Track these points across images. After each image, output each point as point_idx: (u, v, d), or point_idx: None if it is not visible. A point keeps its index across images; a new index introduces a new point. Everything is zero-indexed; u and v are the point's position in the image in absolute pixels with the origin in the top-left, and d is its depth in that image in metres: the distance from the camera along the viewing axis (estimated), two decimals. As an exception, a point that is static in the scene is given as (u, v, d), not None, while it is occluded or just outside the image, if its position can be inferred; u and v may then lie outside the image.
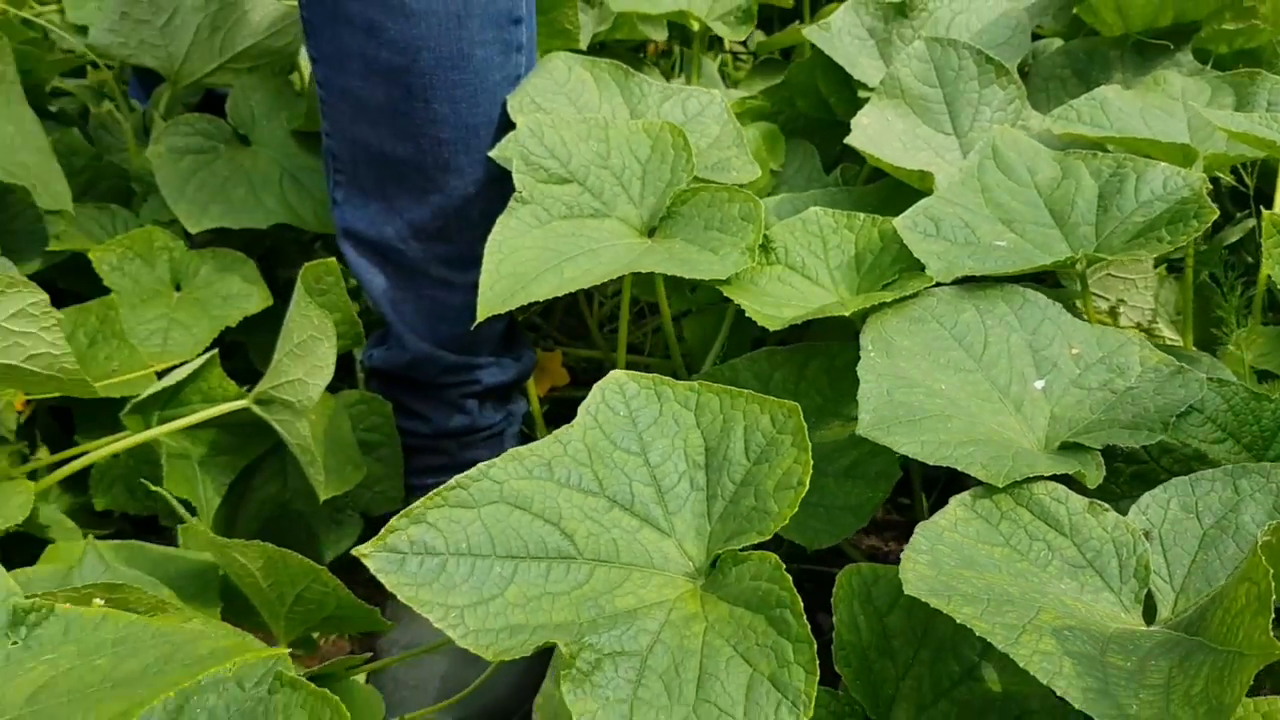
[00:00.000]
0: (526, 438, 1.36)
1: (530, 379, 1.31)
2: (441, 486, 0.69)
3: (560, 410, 1.45)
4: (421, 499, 0.69)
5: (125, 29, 1.36)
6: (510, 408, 1.30)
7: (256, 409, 1.08)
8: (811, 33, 1.28)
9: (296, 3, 1.47)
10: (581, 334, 1.64)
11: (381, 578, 0.66)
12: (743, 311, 0.90)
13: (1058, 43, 1.37)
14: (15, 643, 0.49)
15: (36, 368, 0.83)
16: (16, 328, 0.82)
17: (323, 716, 0.58)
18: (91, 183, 1.40)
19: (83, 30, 1.84)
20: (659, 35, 1.64)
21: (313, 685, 0.60)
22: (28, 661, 0.48)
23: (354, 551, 0.67)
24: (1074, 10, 1.35)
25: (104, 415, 1.19)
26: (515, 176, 0.98)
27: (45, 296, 0.82)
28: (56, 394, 0.90)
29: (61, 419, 1.24)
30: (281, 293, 1.34)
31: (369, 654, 1.04)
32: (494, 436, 1.29)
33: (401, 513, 0.68)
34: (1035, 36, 1.38)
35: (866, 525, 1.30)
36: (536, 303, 0.92)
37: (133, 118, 1.44)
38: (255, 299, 1.30)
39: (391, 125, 1.06)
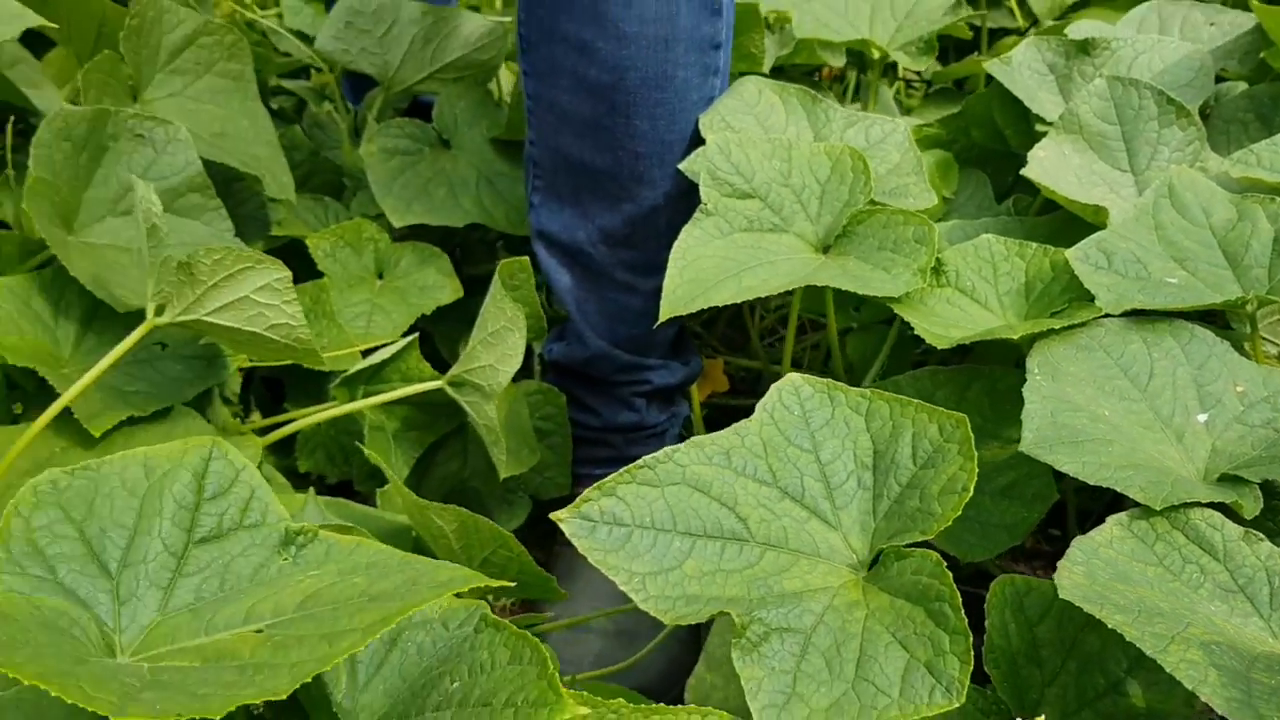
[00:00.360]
0: (684, 438, 1.43)
1: (694, 384, 1.38)
2: (630, 465, 0.77)
3: (718, 415, 1.52)
4: (612, 475, 0.76)
5: (348, 37, 1.49)
6: (674, 409, 1.37)
7: (450, 390, 1.18)
8: (992, 66, 1.32)
9: (499, 18, 1.58)
10: (740, 345, 1.70)
11: (575, 541, 0.74)
12: (905, 331, 0.95)
13: (1241, 86, 1.37)
14: (286, 559, 0.58)
15: (276, 336, 0.94)
16: (262, 299, 0.93)
17: (523, 655, 0.66)
18: (308, 176, 1.54)
19: (299, 34, 2.01)
20: (837, 61, 1.69)
21: (514, 627, 0.68)
22: (297, 575, 0.57)
23: (551, 515, 0.75)
24: (1260, 55, 1.35)
25: (311, 386, 1.31)
26: (702, 190, 1.05)
27: (288, 273, 0.93)
28: (288, 361, 1.01)
29: (272, 388, 1.37)
30: (467, 286, 1.45)
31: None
32: (657, 435, 1.36)
33: (594, 485, 0.75)
34: (1219, 79, 1.39)
35: (1015, 553, 1.33)
36: (703, 310, 0.99)
37: (346, 118, 1.57)
38: (448, 291, 1.41)
39: (593, 138, 1.15)
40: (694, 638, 1.18)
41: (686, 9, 1.09)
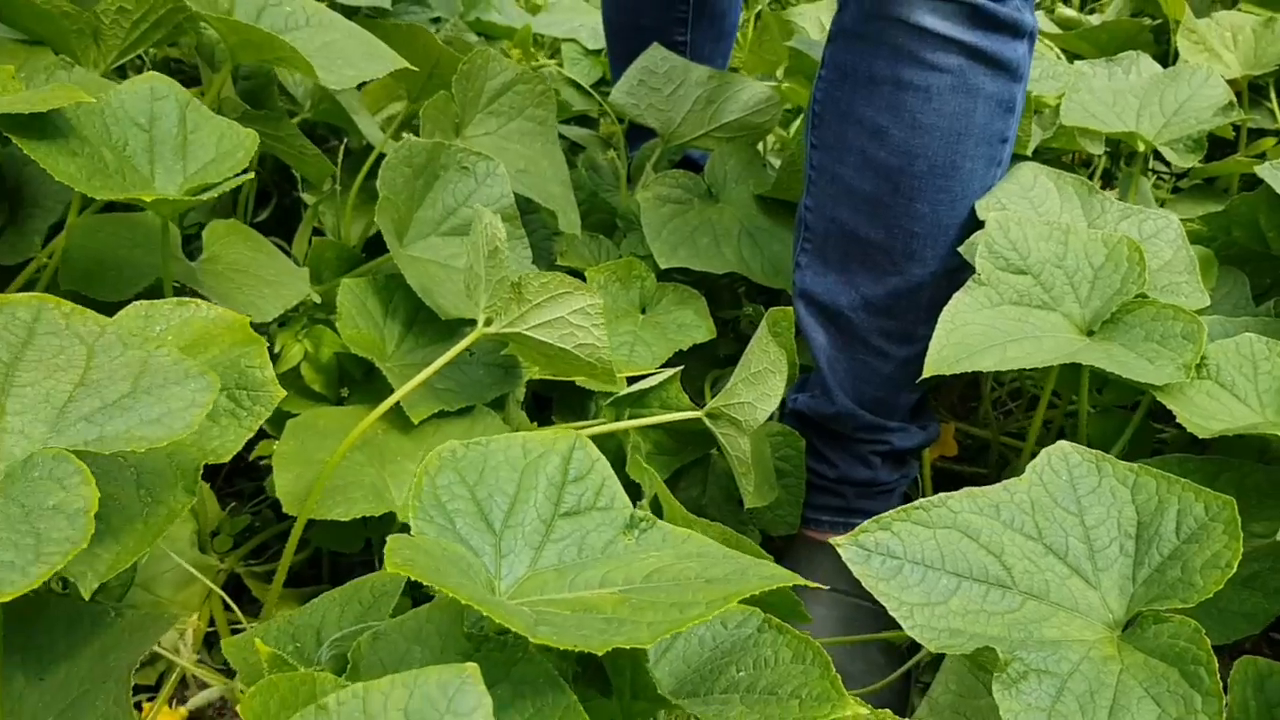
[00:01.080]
0: (910, 498, 1.49)
1: (928, 448, 1.44)
2: (905, 506, 0.85)
3: (945, 479, 1.58)
4: (889, 512, 0.85)
5: (639, 93, 1.63)
6: (906, 469, 1.43)
7: (707, 421, 1.28)
8: (1264, 170, 1.34)
9: (773, 82, 1.69)
10: (967, 414, 1.75)
11: (851, 568, 0.82)
12: (1148, 418, 0.99)
13: None
14: (630, 540, 0.69)
15: (582, 355, 1.07)
16: (575, 320, 1.06)
17: (806, 656, 0.75)
18: (586, 214, 1.69)
19: (572, 83, 2.19)
20: (1095, 149, 1.74)
21: (795, 630, 0.77)
22: (640, 553, 0.68)
23: (831, 540, 0.84)
24: None
25: (575, 403, 1.44)
26: (977, 260, 1.12)
27: (600, 301, 1.06)
28: (584, 377, 1.14)
29: (539, 402, 1.51)
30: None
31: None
32: (886, 492, 1.43)
33: (873, 519, 0.84)
34: None
35: (1249, 642, 1.33)
36: (937, 376, 1.06)
37: (628, 163, 1.72)
38: (704, 330, 1.52)
39: (871, 213, 1.23)
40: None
41: (983, 107, 1.17)
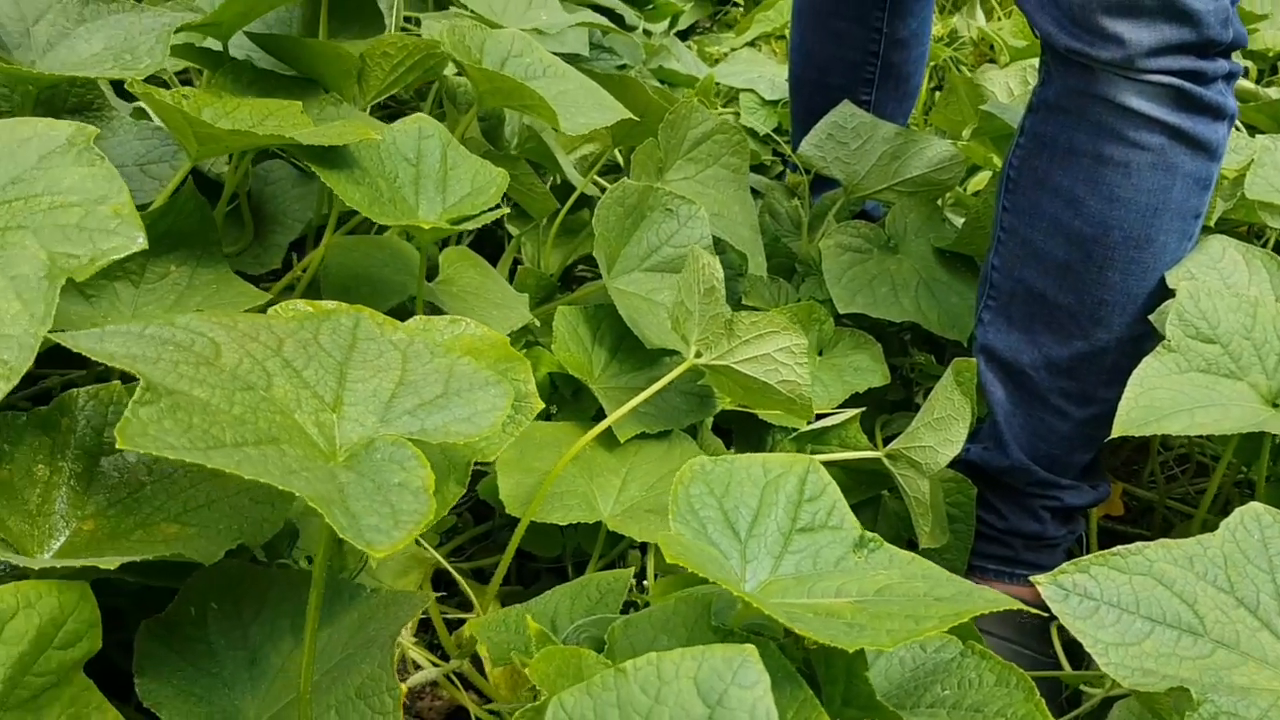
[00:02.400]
0: (1073, 554, 1.53)
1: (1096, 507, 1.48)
2: (1103, 552, 0.90)
3: (1109, 538, 1.61)
4: (1088, 556, 0.90)
5: (827, 147, 1.72)
6: (1073, 525, 1.47)
7: (887, 462, 1.35)
8: None
9: (958, 145, 1.76)
10: (1129, 476, 1.77)
11: (1051, 605, 0.88)
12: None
13: None
14: (860, 558, 0.77)
15: (783, 390, 1.16)
16: (780, 358, 1.14)
17: (1009, 680, 0.82)
18: (767, 257, 1.78)
19: (750, 130, 2.29)
20: (1275, 223, 1.75)
21: (997, 657, 0.84)
22: (869, 570, 0.76)
23: (1032, 578, 0.90)
24: None
25: (754, 436, 1.53)
26: (1168, 327, 1.17)
27: (804, 341, 1.14)
28: (779, 411, 1.22)
29: (716, 432, 1.60)
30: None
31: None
32: (1051, 546, 1.46)
33: (1072, 561, 0.89)
34: None
35: None
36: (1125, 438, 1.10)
37: (810, 211, 1.80)
38: (878, 376, 1.59)
39: (1060, 278, 1.28)
40: None
41: (1181, 184, 1.21)
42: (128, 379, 0.84)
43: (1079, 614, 0.87)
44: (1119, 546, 0.91)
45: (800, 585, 0.74)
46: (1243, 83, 2.46)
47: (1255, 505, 0.93)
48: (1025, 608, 0.75)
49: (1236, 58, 1.26)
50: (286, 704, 0.91)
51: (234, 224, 1.46)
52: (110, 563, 0.68)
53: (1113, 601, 0.88)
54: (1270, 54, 2.95)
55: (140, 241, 0.75)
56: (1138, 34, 1.12)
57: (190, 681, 0.91)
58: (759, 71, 2.41)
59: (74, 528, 0.79)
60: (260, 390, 0.68)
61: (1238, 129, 2.01)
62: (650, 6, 2.68)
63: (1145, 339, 1.24)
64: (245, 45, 1.30)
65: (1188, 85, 1.15)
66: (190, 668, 0.91)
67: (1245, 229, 2.05)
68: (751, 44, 2.72)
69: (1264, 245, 2.03)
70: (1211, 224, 1.57)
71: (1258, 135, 1.79)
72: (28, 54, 1.14)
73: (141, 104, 1.40)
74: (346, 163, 1.07)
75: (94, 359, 0.68)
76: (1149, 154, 1.18)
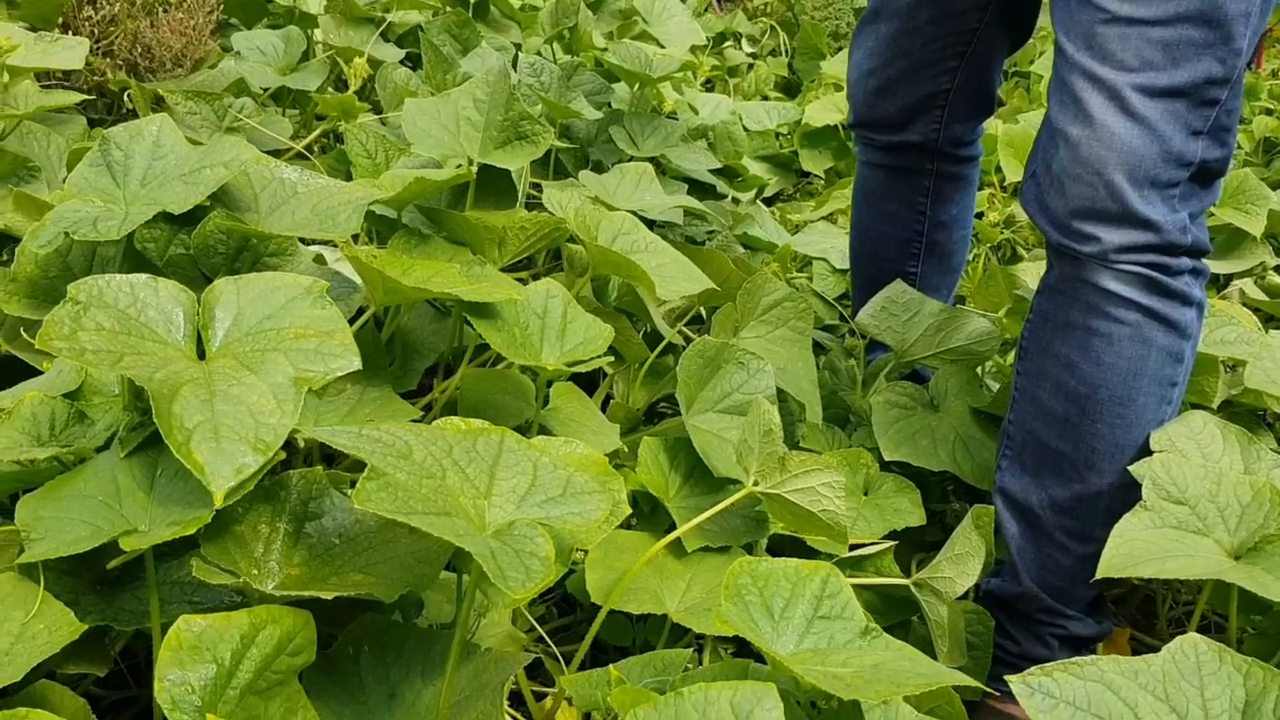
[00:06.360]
0: (1082, 686, 1.73)
1: (1101, 642, 1.69)
2: (1067, 661, 1.14)
3: (1115, 676, 1.80)
4: (1050, 664, 1.14)
5: (881, 317, 2.01)
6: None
7: (913, 589, 1.59)
8: None
9: (996, 321, 2.03)
10: (1144, 625, 1.97)
11: (1020, 699, 1.11)
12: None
13: None
14: (864, 642, 1.02)
15: (824, 518, 1.41)
16: (823, 491, 1.40)
17: (978, 750, 1.05)
18: (824, 407, 2.05)
19: (818, 295, 2.58)
20: (1277, 408, 1.98)
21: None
22: (871, 651, 1.00)
23: (1006, 678, 1.13)
24: None
25: (803, 557, 1.77)
26: (1144, 490, 1.41)
27: (843, 478, 1.40)
28: (821, 536, 1.47)
29: (770, 552, 1.85)
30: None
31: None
32: (1059, 674, 1.67)
33: (1038, 666, 1.13)
34: None
35: None
36: (1122, 585, 1.32)
37: (864, 371, 2.08)
38: (915, 517, 1.83)
39: (1060, 429, 1.54)
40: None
41: (1156, 356, 1.48)
42: (328, 468, 1.14)
43: (1041, 709, 1.11)
44: (1076, 658, 1.14)
45: (816, 657, 0.99)
46: (1275, 277, 2.70)
47: (1194, 635, 1.16)
48: (983, 688, 0.99)
49: (1220, 262, 1.54)
50: (414, 731, 1.18)
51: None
52: (328, 592, 0.97)
53: (1069, 700, 1.11)
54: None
55: (356, 364, 1.06)
56: (1109, 235, 1.41)
57: (342, 705, 1.18)
58: (831, 243, 2.72)
59: (285, 572, 1.08)
60: (438, 479, 0.97)
61: (1259, 326, 2.24)
62: (739, 179, 3.02)
63: (1133, 487, 1.48)
64: (414, 214, 1.64)
65: (1156, 274, 1.43)
66: (344, 694, 1.18)
67: (1264, 413, 2.26)
68: (828, 217, 3.04)
69: (1272, 427, 2.24)
70: (1214, 405, 1.81)
71: (1273, 330, 2.03)
72: (255, 216, 1.48)
73: (320, 251, 1.75)
74: (492, 314, 1.38)
75: (333, 448, 0.98)
76: (1127, 328, 1.45)
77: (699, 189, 2.85)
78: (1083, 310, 1.49)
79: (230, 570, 1.02)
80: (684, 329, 2.19)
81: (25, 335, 1.36)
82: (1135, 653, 1.85)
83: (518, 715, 1.43)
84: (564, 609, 1.73)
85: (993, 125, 3.13)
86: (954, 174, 2.06)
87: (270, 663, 0.92)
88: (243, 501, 1.08)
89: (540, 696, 1.51)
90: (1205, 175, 1.47)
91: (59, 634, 0.93)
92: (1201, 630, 1.91)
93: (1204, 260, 1.51)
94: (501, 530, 0.97)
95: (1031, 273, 2.13)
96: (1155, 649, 1.96)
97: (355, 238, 1.93)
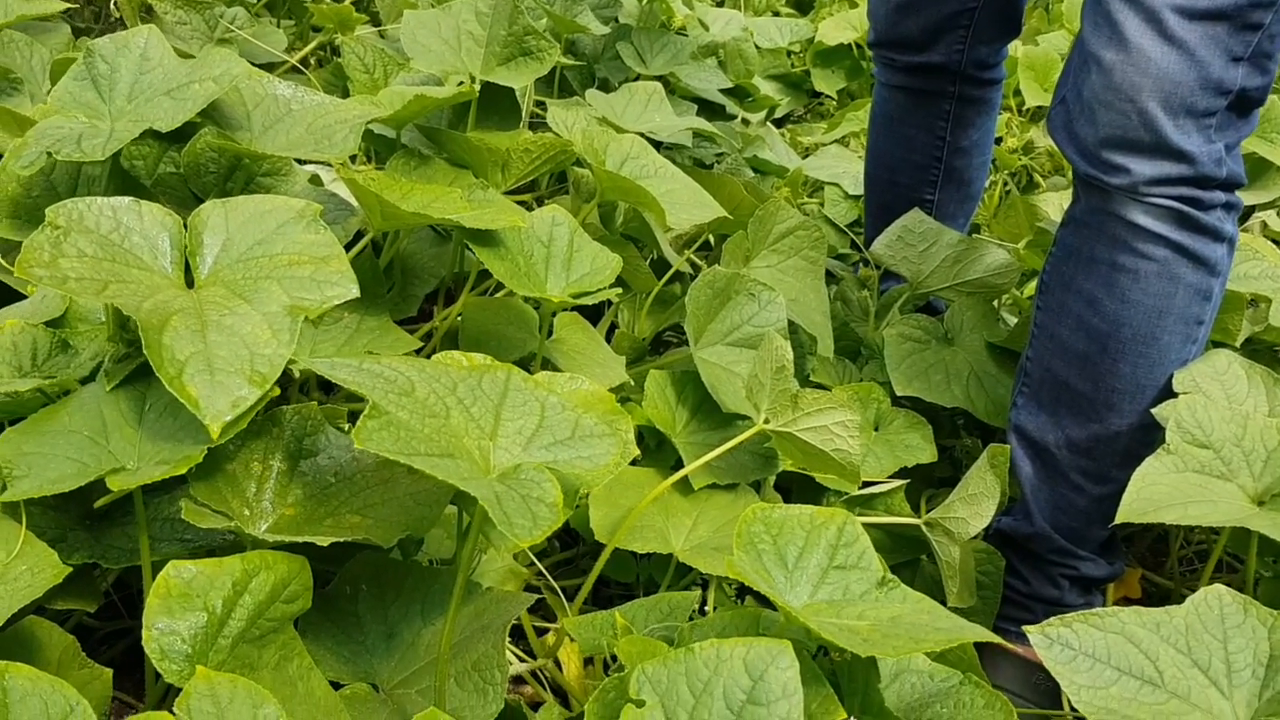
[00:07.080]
0: (1090, 626, 1.71)
1: (1112, 583, 1.66)
2: (1087, 611, 1.10)
3: (1124, 616, 1.78)
4: (1070, 614, 1.10)
5: (896, 247, 1.94)
6: (1090, 598, 1.65)
7: (924, 529, 1.55)
8: None
9: (1014, 252, 1.96)
10: (1155, 565, 1.94)
11: (1037, 650, 1.08)
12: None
13: None
14: (880, 593, 0.98)
15: (836, 457, 1.37)
16: (836, 430, 1.36)
17: (995, 704, 1.02)
18: (835, 340, 1.99)
19: (829, 221, 2.52)
20: (1303, 346, 1.92)
21: (988, 685, 1.04)
22: (886, 603, 0.97)
23: (1024, 628, 1.10)
24: None
25: (811, 496, 1.73)
26: (1168, 433, 1.36)
27: (858, 418, 1.36)
28: (833, 475, 1.43)
29: (777, 489, 1.81)
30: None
31: None
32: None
33: (1057, 617, 1.09)
34: None
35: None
36: (1135, 527, 1.29)
37: (878, 302, 2.02)
38: (927, 454, 1.79)
39: (1080, 368, 1.49)
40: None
41: (1183, 293, 1.42)
42: (323, 401, 1.09)
43: (1060, 660, 1.07)
44: (1097, 608, 1.11)
45: (831, 609, 0.96)
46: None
47: (1219, 587, 1.12)
48: (998, 640, 0.95)
49: (1241, 193, 1.47)
50: (413, 671, 1.15)
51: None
52: (324, 540, 0.93)
53: (1088, 652, 1.08)
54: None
55: (354, 291, 1.01)
56: (1140, 166, 1.34)
57: (340, 644, 1.14)
58: (844, 168, 2.64)
59: (279, 513, 1.04)
60: (442, 418, 0.92)
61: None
62: (750, 99, 2.93)
63: (1153, 428, 1.43)
64: (413, 134, 1.57)
65: (1188, 209, 1.37)
66: (341, 634, 1.15)
67: (1269, 350, 2.21)
68: (840, 140, 2.96)
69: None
70: (1237, 343, 1.76)
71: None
72: (247, 135, 1.41)
73: (316, 171, 1.68)
74: (495, 241, 1.33)
75: (331, 381, 0.93)
76: (1155, 264, 1.39)
77: (707, 109, 2.76)
78: (1108, 245, 1.44)
79: (222, 511, 0.98)
80: (692, 256, 2.13)
81: (3, 262, 1.30)
82: (1146, 594, 1.83)
83: (519, 650, 1.40)
84: (566, 543, 1.70)
85: (1013, 47, 3.02)
86: (976, 97, 1.98)
87: (264, 610, 0.89)
88: (235, 438, 1.04)
89: (542, 632, 1.48)
90: (1244, 104, 1.40)
91: (42, 576, 0.89)
92: (1213, 570, 1.89)
93: (1238, 193, 1.45)
94: (507, 474, 0.93)
95: (1054, 203, 2.06)
96: (1165, 589, 1.96)
97: (353, 158, 1.86)
